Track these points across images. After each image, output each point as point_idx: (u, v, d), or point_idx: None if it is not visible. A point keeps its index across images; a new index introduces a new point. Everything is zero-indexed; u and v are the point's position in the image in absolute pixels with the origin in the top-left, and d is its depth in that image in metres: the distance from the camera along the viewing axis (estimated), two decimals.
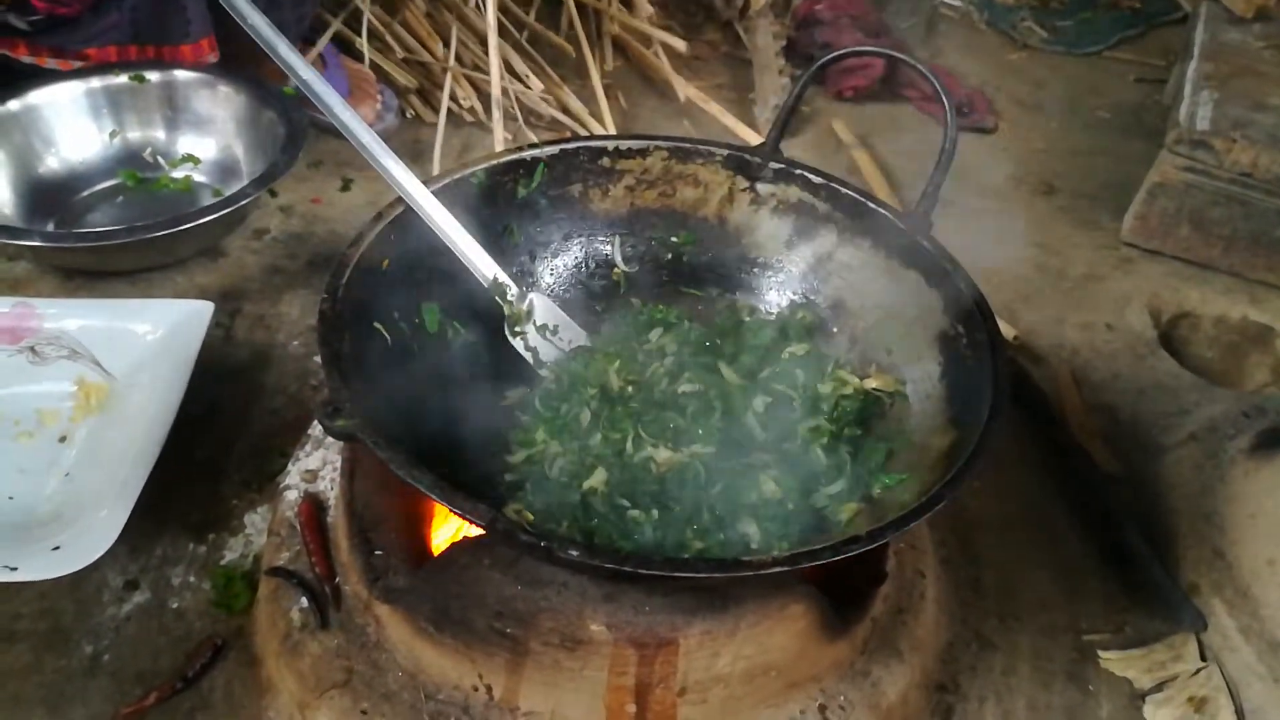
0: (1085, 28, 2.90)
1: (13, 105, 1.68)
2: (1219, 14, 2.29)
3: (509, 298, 1.14)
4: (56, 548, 1.04)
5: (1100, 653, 1.20)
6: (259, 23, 1.08)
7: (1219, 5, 2.31)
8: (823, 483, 1.02)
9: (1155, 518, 1.36)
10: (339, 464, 1.17)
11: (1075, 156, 2.30)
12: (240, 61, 1.88)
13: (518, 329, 1.15)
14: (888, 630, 1.08)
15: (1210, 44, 2.18)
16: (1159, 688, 1.17)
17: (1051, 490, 1.41)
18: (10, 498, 1.18)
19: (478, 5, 2.10)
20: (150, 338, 1.31)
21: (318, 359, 1.49)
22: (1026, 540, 1.33)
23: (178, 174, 1.80)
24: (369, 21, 2.07)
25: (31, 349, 1.31)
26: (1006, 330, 1.67)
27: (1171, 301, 1.82)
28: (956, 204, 2.03)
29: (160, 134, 1.82)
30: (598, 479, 0.97)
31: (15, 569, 1.01)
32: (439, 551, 1.04)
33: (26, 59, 1.75)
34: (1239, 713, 1.15)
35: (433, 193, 1.10)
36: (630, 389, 1.08)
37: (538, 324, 1.16)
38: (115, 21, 1.76)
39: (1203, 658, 1.20)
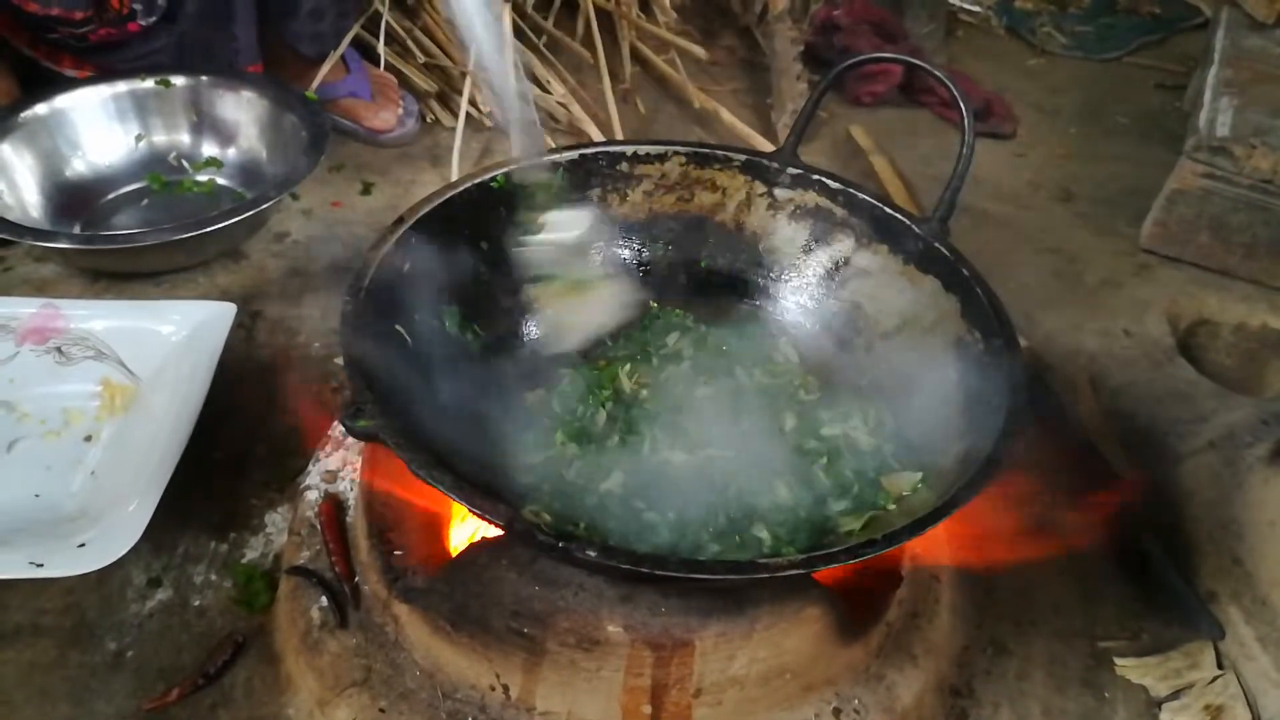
0: (1105, 33, 2.89)
1: (41, 109, 1.71)
2: (1240, 20, 2.29)
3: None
4: (82, 545, 1.05)
5: (1116, 659, 1.20)
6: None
7: (1240, 11, 2.31)
8: (830, 499, 1.03)
9: (1173, 525, 1.35)
10: (359, 465, 1.18)
11: (1094, 162, 2.29)
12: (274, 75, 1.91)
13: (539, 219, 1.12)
14: (902, 634, 1.08)
15: (1231, 50, 2.17)
16: (1175, 695, 1.17)
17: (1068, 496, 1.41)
18: (37, 495, 1.20)
19: None
20: (174, 339, 1.33)
21: (338, 360, 1.50)
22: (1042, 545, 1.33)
23: (201, 177, 1.83)
24: (389, 26, 2.09)
25: (58, 349, 1.33)
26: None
27: (1190, 308, 1.82)
28: (974, 210, 2.04)
29: (185, 138, 1.84)
30: (614, 482, 0.98)
31: (41, 565, 1.02)
32: (457, 552, 1.05)
33: (70, 72, 1.78)
34: None
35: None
36: (644, 392, 1.09)
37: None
38: (162, 45, 1.79)
39: (1220, 666, 1.20)
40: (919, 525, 0.84)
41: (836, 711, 1.01)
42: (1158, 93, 2.64)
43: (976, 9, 2.96)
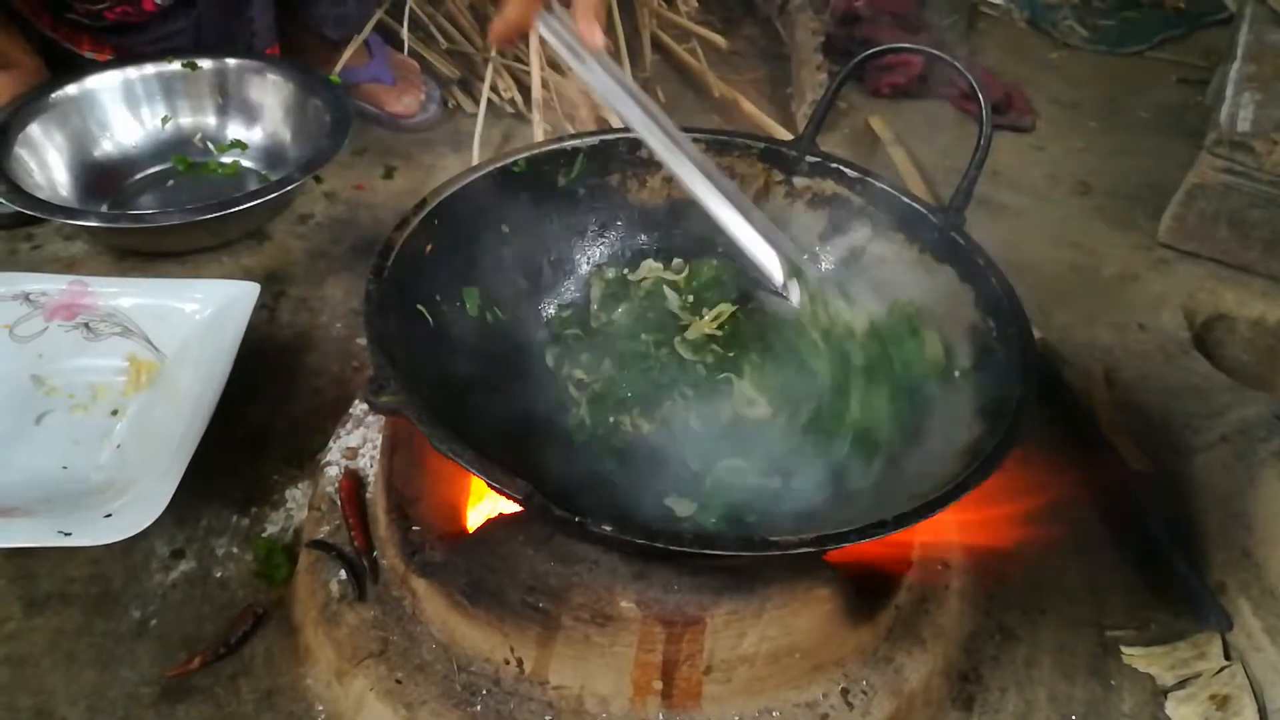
0: (1128, 27, 2.87)
1: (71, 90, 1.73)
2: (1264, 15, 2.26)
3: None
4: (108, 515, 1.08)
5: (1123, 648, 1.21)
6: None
7: (1264, 6, 2.28)
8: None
9: (1184, 517, 1.36)
10: (379, 442, 1.20)
11: (1113, 156, 2.28)
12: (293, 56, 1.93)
13: None
14: (911, 618, 1.09)
15: (1254, 45, 2.15)
16: (1181, 685, 1.17)
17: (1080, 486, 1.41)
18: (65, 467, 1.23)
19: None
20: (198, 317, 1.35)
21: (360, 340, 1.52)
22: (1053, 535, 1.34)
23: (226, 159, 1.85)
24: (412, 12, 2.10)
25: (86, 325, 1.35)
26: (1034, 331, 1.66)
27: (1207, 303, 1.81)
28: (992, 201, 2.04)
29: (211, 120, 1.87)
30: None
31: (69, 534, 1.04)
32: (475, 528, 1.07)
33: (89, 54, 1.80)
34: (1262, 712, 1.15)
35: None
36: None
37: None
38: (180, 28, 1.82)
39: (1227, 657, 1.20)
40: (928, 508, 0.85)
41: (845, 692, 1.02)
42: (1179, 87, 2.62)
43: (998, 1, 2.95)
